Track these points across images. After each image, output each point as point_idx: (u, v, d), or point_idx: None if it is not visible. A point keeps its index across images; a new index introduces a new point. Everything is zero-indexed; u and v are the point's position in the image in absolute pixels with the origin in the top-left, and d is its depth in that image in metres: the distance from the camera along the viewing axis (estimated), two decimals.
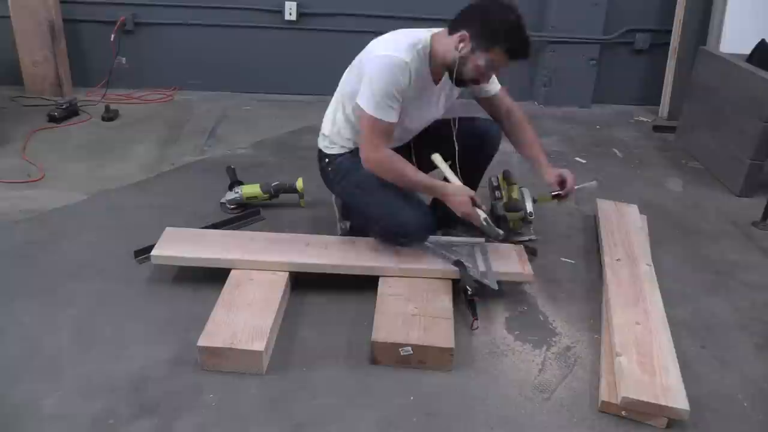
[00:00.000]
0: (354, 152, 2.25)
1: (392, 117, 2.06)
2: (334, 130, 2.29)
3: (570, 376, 1.90)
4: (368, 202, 2.23)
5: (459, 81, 2.11)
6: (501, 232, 2.14)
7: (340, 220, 2.51)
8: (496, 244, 2.35)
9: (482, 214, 2.10)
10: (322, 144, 2.36)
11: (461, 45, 2.02)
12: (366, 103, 2.04)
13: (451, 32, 2.06)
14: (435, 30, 2.13)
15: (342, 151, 2.29)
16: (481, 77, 2.10)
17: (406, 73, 2.02)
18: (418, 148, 2.34)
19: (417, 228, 2.21)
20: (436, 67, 2.12)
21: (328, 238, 2.36)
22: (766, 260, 2.61)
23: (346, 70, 2.25)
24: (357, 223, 2.45)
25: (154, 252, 2.18)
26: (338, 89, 2.29)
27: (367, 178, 2.19)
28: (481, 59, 2.02)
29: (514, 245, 2.39)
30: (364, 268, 2.18)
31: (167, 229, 2.32)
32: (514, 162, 3.28)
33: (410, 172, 2.13)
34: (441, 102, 2.28)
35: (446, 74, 2.14)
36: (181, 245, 2.23)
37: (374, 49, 2.11)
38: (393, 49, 2.04)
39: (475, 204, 2.11)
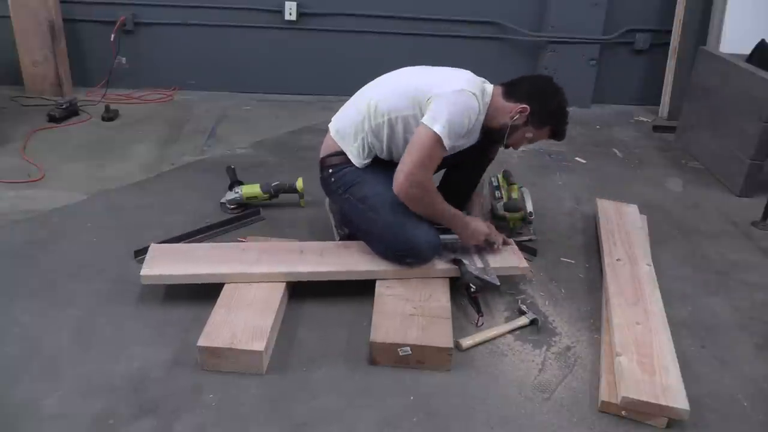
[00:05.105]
0: (360, 166, 2.20)
1: (449, 149, 2.04)
2: (356, 144, 2.19)
3: (570, 376, 1.90)
4: (374, 219, 2.14)
5: (491, 140, 2.23)
6: (497, 284, 2.17)
7: (337, 225, 2.47)
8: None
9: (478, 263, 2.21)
10: (327, 152, 2.25)
11: (517, 116, 2.14)
12: (439, 125, 1.99)
13: (508, 98, 2.16)
14: (489, 85, 2.21)
15: (350, 162, 2.20)
16: (518, 146, 2.27)
17: (474, 117, 2.08)
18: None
19: (426, 248, 2.13)
20: (484, 119, 2.16)
21: (322, 244, 2.33)
22: (766, 260, 2.61)
23: (391, 90, 2.17)
24: (355, 232, 2.34)
25: (142, 272, 2.08)
26: (384, 107, 2.13)
27: (374, 194, 2.15)
28: (530, 132, 2.18)
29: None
30: (361, 273, 2.16)
31: (152, 245, 2.24)
32: (514, 162, 3.28)
33: (440, 199, 2.13)
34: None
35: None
36: (171, 262, 2.14)
37: (449, 79, 2.11)
38: (472, 88, 2.08)
39: (487, 243, 2.25)
